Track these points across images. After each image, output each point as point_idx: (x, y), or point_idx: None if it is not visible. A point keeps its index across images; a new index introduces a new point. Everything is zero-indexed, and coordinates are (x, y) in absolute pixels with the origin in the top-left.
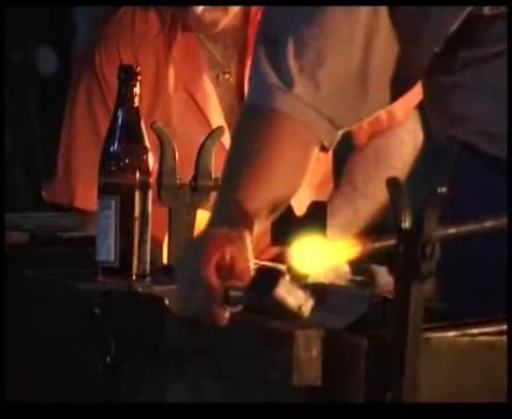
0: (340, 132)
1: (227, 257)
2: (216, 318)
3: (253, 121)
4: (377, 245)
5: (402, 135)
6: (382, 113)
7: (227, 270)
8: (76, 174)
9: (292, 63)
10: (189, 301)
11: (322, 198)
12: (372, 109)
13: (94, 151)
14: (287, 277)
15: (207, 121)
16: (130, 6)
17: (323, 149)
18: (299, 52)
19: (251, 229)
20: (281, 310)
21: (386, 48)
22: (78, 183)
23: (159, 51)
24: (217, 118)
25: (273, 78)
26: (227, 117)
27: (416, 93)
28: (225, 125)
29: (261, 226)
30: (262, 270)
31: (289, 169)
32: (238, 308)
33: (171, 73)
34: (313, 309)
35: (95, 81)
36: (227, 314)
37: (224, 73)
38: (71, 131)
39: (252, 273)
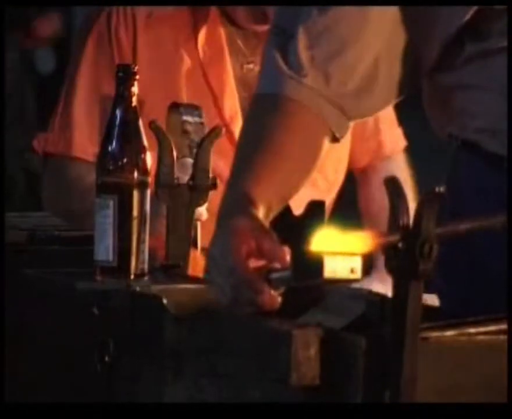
0: (351, 123)
1: (253, 245)
2: (269, 305)
3: (263, 109)
4: (391, 238)
5: (400, 161)
6: (385, 141)
7: (259, 256)
8: (75, 125)
9: (303, 53)
10: (240, 303)
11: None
12: (382, 102)
13: (95, 106)
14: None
15: (219, 107)
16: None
17: (334, 139)
18: (311, 42)
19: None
20: (335, 284)
21: (397, 41)
22: (76, 132)
23: (180, 29)
24: (232, 110)
25: (284, 67)
26: (241, 105)
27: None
28: (239, 113)
29: (271, 215)
30: (302, 255)
31: (299, 157)
32: (282, 289)
33: (192, 52)
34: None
35: (106, 39)
36: (277, 296)
37: (248, 63)
38: (74, 85)
39: (285, 251)
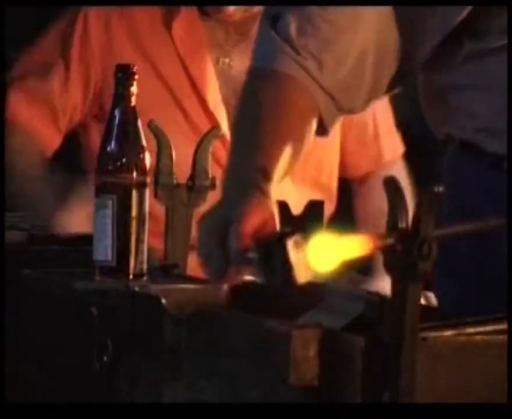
0: (340, 115)
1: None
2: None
3: (259, 84)
4: (390, 240)
5: (399, 168)
6: (385, 147)
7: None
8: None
9: (296, 38)
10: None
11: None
12: (369, 96)
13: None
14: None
15: (203, 100)
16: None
17: (325, 132)
18: (305, 29)
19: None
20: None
21: (387, 35)
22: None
23: (157, 23)
24: (214, 99)
25: (282, 45)
26: (224, 99)
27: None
28: (222, 107)
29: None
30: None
31: (292, 132)
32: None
33: (170, 45)
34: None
35: (72, 28)
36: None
37: (225, 56)
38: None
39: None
